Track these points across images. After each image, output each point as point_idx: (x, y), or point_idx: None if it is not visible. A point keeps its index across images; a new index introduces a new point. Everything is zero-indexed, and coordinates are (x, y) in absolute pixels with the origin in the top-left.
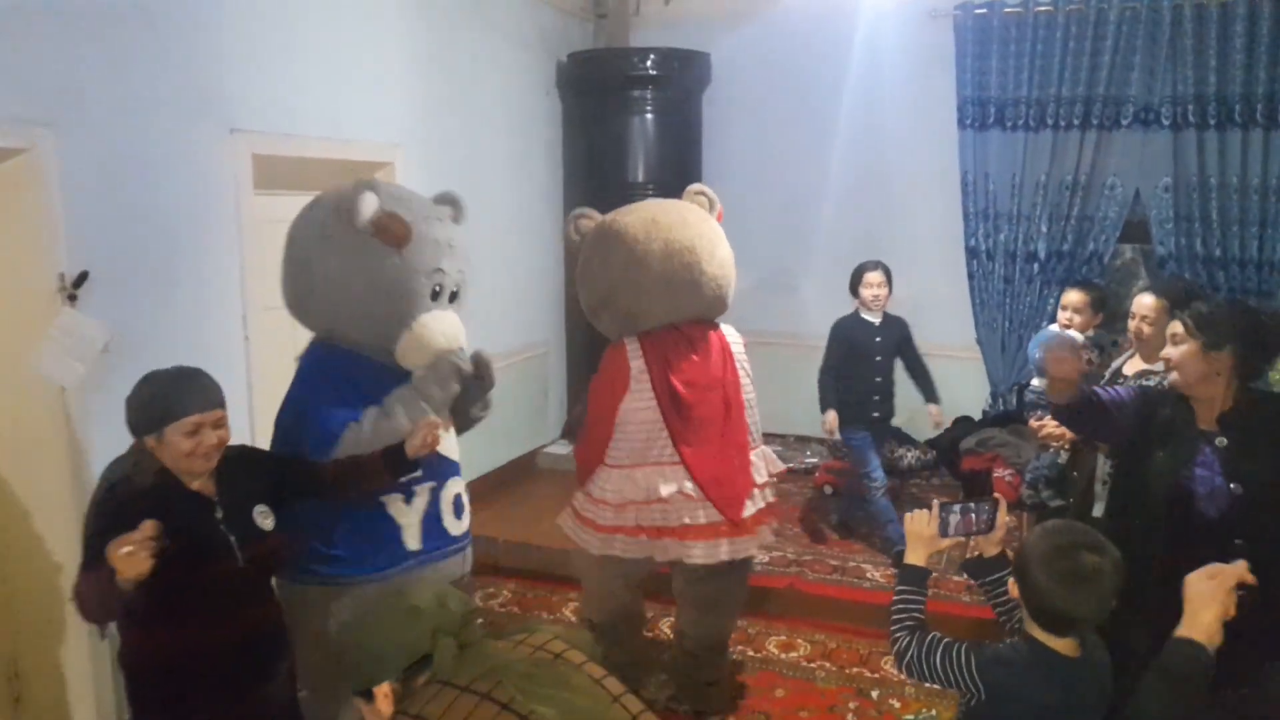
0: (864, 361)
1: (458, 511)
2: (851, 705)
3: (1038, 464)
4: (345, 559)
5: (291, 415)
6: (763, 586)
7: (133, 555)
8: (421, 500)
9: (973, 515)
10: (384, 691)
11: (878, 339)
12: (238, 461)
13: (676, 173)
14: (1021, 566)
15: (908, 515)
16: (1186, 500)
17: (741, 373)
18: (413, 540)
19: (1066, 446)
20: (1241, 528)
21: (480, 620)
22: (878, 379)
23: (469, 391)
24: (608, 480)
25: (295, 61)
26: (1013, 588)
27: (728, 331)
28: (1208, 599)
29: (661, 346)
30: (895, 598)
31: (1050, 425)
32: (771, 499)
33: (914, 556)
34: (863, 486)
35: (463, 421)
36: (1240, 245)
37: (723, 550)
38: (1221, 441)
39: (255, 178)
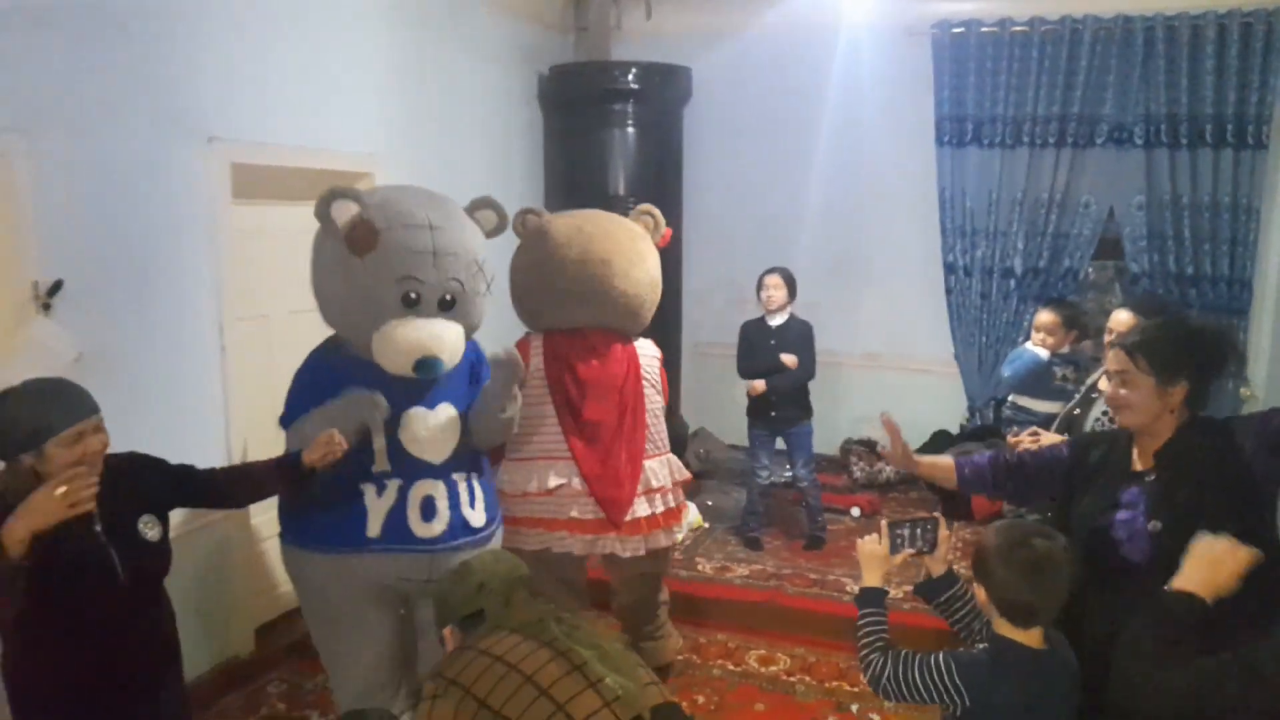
0: (761, 361)
1: (426, 514)
2: (831, 719)
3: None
4: (309, 529)
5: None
6: (743, 600)
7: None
8: (389, 495)
9: (919, 530)
10: (448, 631)
11: (772, 341)
12: (122, 470)
13: (657, 187)
14: (981, 566)
15: (858, 541)
16: (1108, 546)
17: (647, 385)
18: (374, 528)
19: None
20: (1167, 570)
21: (526, 586)
22: (774, 380)
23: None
24: (505, 472)
25: (274, 71)
26: (979, 592)
27: (643, 345)
28: (1212, 563)
29: (564, 347)
30: (860, 622)
31: (1026, 440)
32: (674, 504)
33: (871, 579)
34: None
35: (487, 423)
36: (1211, 263)
37: (604, 546)
38: (1150, 479)
39: (233, 187)
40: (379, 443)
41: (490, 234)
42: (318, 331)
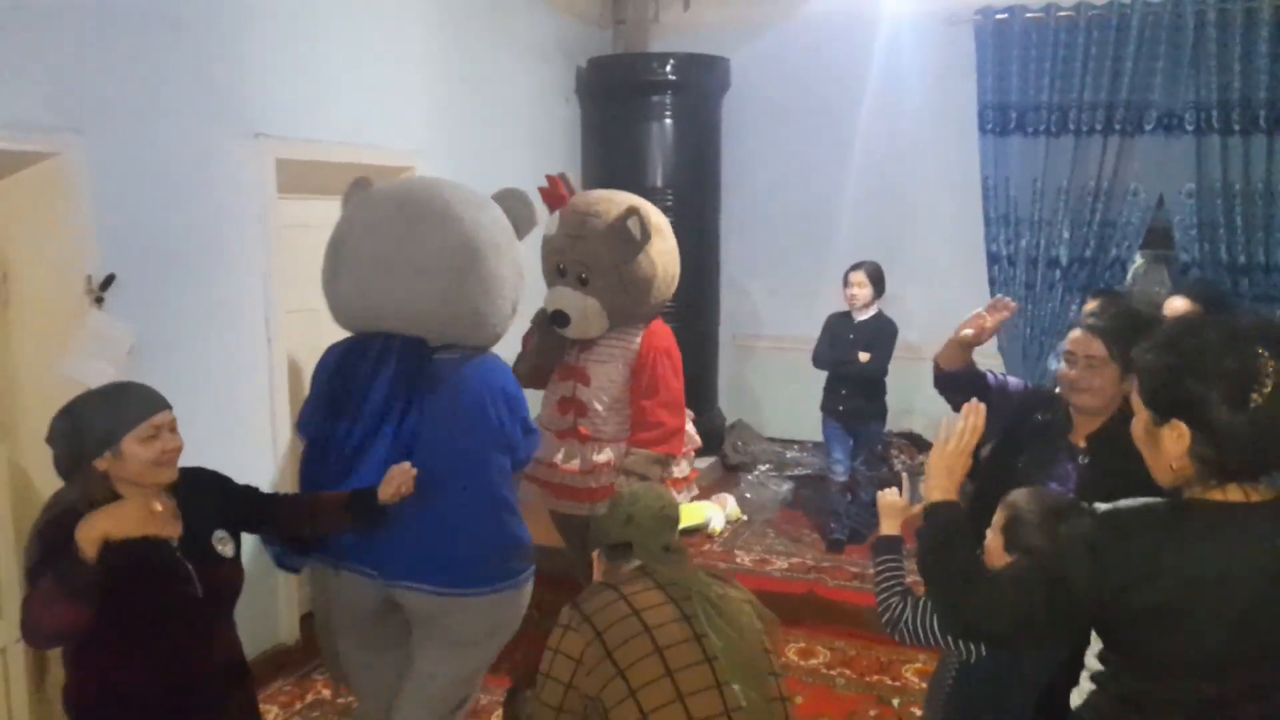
0: (836, 353)
1: None
2: (872, 713)
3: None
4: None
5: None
6: (781, 593)
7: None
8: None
9: None
10: (595, 556)
11: (851, 335)
12: (193, 483)
13: (695, 178)
14: (1016, 534)
15: (879, 493)
16: None
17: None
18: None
19: None
20: None
21: (673, 526)
22: (851, 373)
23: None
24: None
25: (318, 68)
26: (999, 555)
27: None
28: (938, 471)
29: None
30: (879, 568)
31: None
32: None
33: (889, 528)
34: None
35: None
36: (1264, 251)
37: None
38: (1084, 460)
39: (279, 182)
40: None
41: (520, 225)
42: None
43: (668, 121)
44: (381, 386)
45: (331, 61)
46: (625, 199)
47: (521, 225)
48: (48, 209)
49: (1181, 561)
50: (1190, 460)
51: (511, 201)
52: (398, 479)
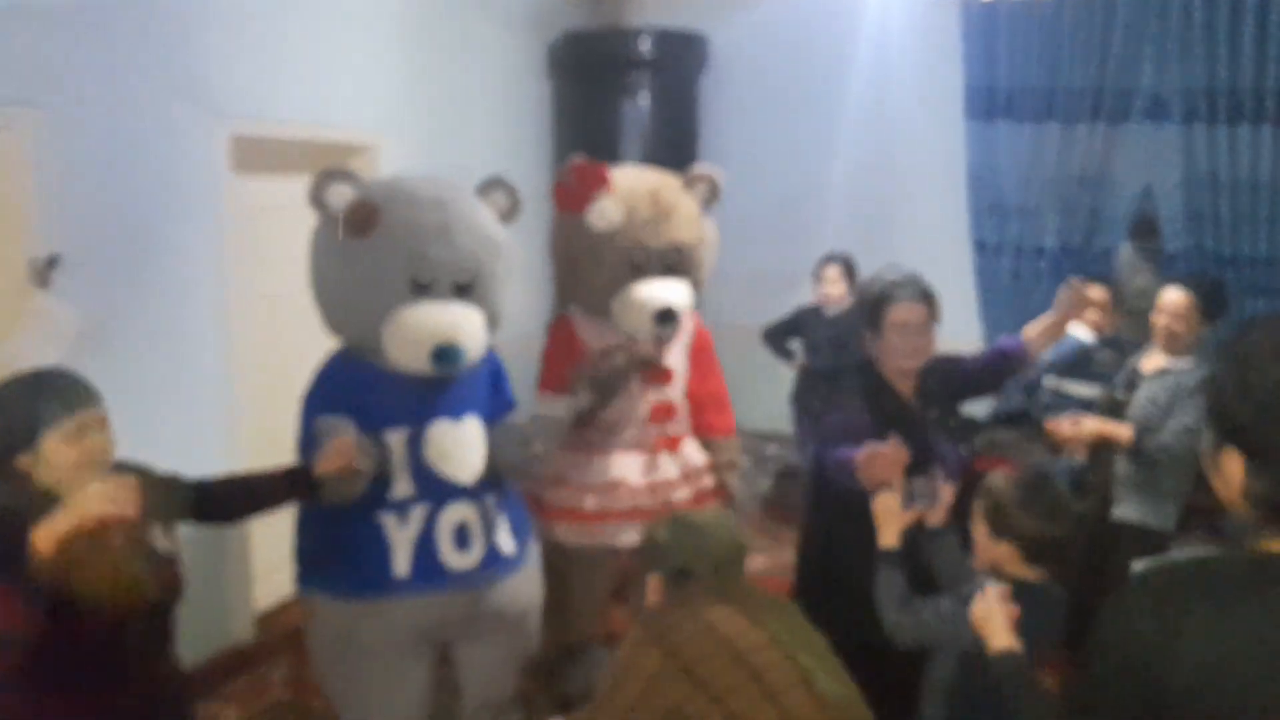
0: (810, 349)
1: (461, 543)
2: None
3: (1056, 468)
4: (327, 573)
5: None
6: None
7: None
8: (415, 523)
9: (922, 494)
10: (651, 580)
11: (825, 333)
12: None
13: (672, 160)
14: (1001, 519)
15: (877, 498)
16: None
17: None
18: (401, 566)
19: (1082, 451)
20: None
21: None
22: (820, 368)
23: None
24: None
25: (276, 42)
26: (985, 545)
27: None
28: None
29: None
30: (880, 581)
31: (1066, 428)
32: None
33: (888, 538)
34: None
35: (507, 456)
36: (1251, 243)
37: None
38: (933, 413)
39: (236, 160)
40: (398, 462)
41: (504, 218)
42: None
43: (645, 100)
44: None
45: (292, 35)
46: (656, 174)
47: (508, 220)
48: None
49: (1213, 629)
50: (1244, 498)
51: (499, 194)
52: (340, 454)
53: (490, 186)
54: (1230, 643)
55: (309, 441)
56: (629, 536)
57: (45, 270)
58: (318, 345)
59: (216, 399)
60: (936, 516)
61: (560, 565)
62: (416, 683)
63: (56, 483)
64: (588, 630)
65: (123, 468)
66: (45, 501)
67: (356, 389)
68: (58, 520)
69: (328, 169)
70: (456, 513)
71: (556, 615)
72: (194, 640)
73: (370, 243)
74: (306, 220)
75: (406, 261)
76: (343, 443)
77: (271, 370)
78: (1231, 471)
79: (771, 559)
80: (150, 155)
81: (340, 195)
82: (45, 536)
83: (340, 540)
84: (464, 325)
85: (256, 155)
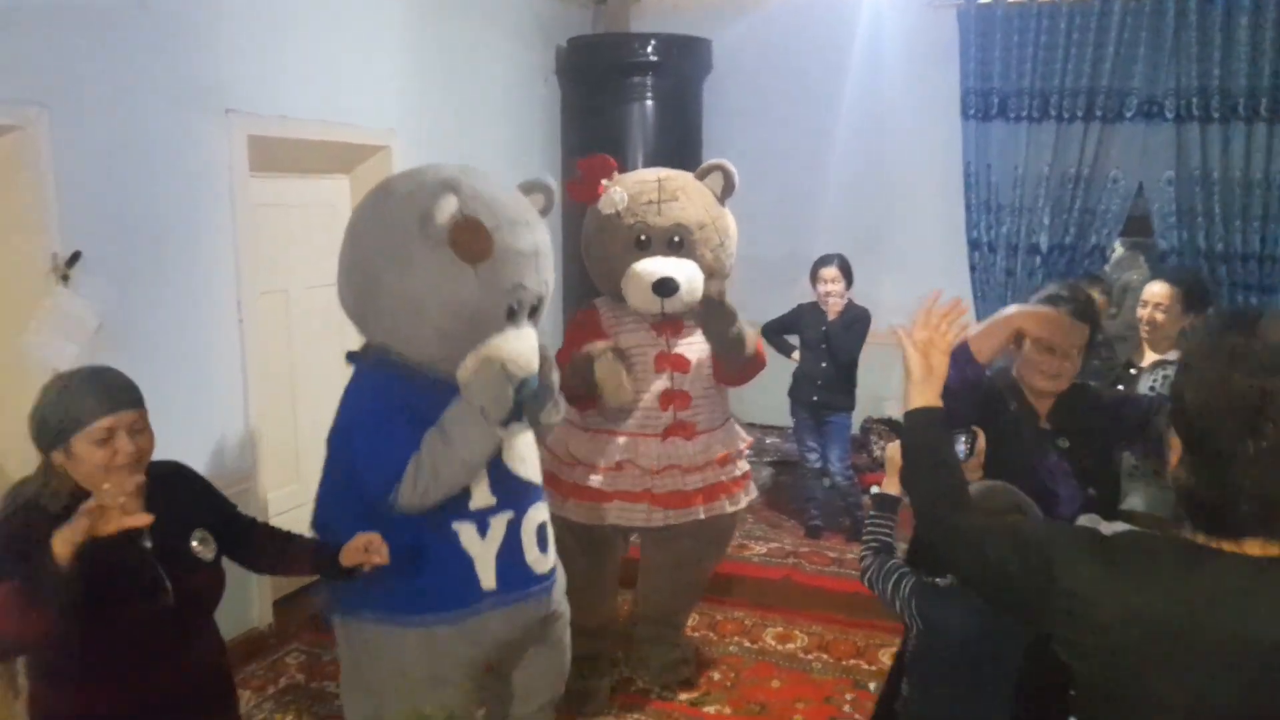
0: (807, 346)
1: (542, 544)
2: (848, 696)
3: None
4: (407, 594)
5: (346, 448)
6: (759, 578)
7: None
8: (498, 532)
9: (960, 440)
10: None
11: (823, 327)
12: (171, 481)
13: (676, 162)
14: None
15: (889, 445)
16: (1050, 506)
17: None
18: (488, 578)
19: None
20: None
21: None
22: (821, 365)
23: (536, 398)
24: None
25: (291, 43)
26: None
27: None
28: (916, 363)
29: None
30: (867, 523)
31: None
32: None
33: (889, 485)
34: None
35: (536, 431)
36: (1242, 240)
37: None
38: (1064, 443)
39: (251, 160)
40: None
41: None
42: (336, 305)
43: (649, 104)
44: None
45: (305, 36)
46: (661, 169)
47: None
48: (10, 184)
49: (1140, 588)
50: (1173, 483)
51: (539, 191)
52: (366, 549)
53: (531, 186)
54: (1151, 605)
55: (385, 465)
56: (635, 517)
57: (67, 267)
58: (333, 343)
59: (232, 395)
60: (971, 473)
61: (569, 544)
62: (468, 702)
63: (87, 482)
64: (601, 616)
65: (183, 471)
66: (75, 497)
67: (409, 398)
68: (76, 526)
69: (442, 177)
70: (538, 514)
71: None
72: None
73: (481, 271)
74: (320, 219)
75: (508, 292)
76: (367, 540)
77: (287, 367)
78: (1173, 457)
79: (767, 547)
80: (167, 155)
81: (445, 208)
82: (63, 541)
83: (417, 556)
84: (531, 353)
85: (271, 155)
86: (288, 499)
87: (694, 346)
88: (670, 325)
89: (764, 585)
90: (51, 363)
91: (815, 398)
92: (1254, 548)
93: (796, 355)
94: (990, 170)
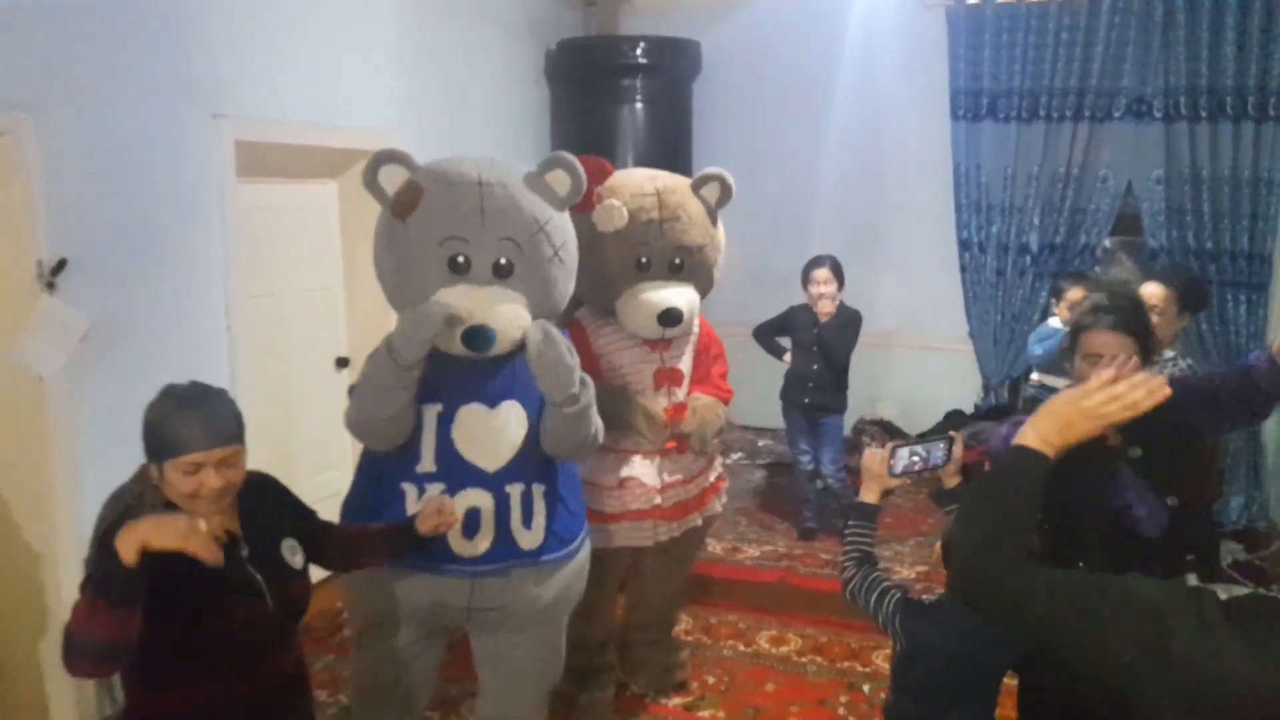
0: (799, 347)
1: (468, 529)
2: (843, 699)
3: None
4: None
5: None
6: (754, 581)
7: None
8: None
9: (922, 458)
10: None
11: (814, 329)
12: (261, 490)
13: (666, 164)
14: (947, 550)
15: (866, 452)
16: (1128, 526)
17: None
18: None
19: None
20: (1188, 540)
21: None
22: (814, 366)
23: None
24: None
25: (280, 46)
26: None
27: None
28: (1053, 414)
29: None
30: (846, 532)
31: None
32: None
33: (868, 494)
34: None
35: (557, 423)
36: (1231, 238)
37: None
38: (1135, 452)
39: (240, 165)
40: (428, 438)
41: (564, 201)
42: (325, 310)
43: (639, 105)
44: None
45: (294, 39)
46: (667, 175)
47: (569, 199)
48: None
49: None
50: None
51: (560, 168)
52: (439, 515)
53: (552, 163)
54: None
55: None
56: (642, 536)
57: (53, 274)
58: (323, 347)
59: None
60: (949, 478)
61: None
62: (424, 663)
63: (177, 501)
64: (606, 629)
65: (267, 482)
66: (169, 507)
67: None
68: (142, 528)
69: (381, 150)
70: (469, 498)
71: (575, 616)
72: None
73: (410, 224)
74: (311, 223)
75: (442, 243)
76: (439, 504)
77: (277, 372)
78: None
79: (761, 550)
80: (156, 159)
81: (393, 177)
82: (125, 538)
83: (369, 508)
84: (499, 307)
85: (261, 159)
86: None
87: (682, 358)
88: (662, 340)
89: (758, 588)
90: (38, 371)
91: (807, 399)
92: None
93: (788, 357)
94: (980, 170)
